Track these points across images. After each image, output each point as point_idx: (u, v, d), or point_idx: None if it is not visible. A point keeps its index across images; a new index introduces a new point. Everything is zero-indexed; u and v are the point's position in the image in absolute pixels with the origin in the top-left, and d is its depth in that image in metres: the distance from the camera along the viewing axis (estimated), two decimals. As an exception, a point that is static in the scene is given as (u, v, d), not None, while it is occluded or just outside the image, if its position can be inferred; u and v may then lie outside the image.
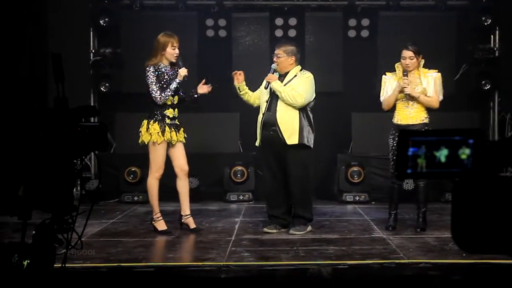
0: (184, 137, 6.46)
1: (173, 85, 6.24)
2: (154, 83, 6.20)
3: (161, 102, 6.22)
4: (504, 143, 1.85)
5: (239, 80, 6.58)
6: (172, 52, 6.28)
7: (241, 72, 6.64)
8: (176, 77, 6.30)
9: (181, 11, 9.08)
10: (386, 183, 8.32)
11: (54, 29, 8.94)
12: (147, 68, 6.24)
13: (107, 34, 9.18)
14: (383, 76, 6.54)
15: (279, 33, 9.10)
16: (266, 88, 6.42)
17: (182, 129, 6.44)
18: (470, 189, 1.79)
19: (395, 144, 6.39)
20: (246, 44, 9.21)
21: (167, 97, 6.23)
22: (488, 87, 8.99)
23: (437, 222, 6.83)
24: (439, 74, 6.42)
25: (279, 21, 9.14)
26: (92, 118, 4.55)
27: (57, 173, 2.76)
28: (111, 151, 8.93)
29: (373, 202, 8.45)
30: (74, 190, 3.09)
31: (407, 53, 6.32)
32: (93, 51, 9.12)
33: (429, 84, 6.34)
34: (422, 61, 6.38)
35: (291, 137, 6.27)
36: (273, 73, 6.43)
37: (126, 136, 8.87)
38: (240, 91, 6.63)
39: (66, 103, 2.82)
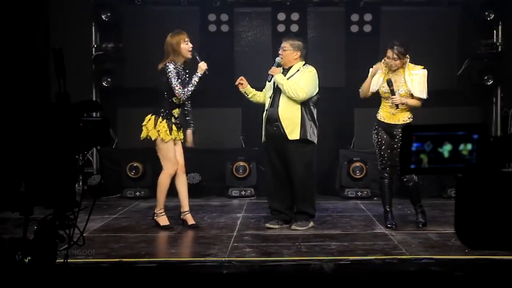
0: (183, 136, 6.51)
1: (195, 79, 6.23)
2: (175, 79, 6.19)
3: (185, 97, 6.24)
4: (508, 138, 1.84)
5: (243, 85, 6.59)
6: (186, 47, 6.29)
7: (241, 77, 6.64)
8: (190, 74, 6.30)
9: (183, 5, 9.07)
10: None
11: (56, 24, 8.92)
12: (167, 65, 6.21)
13: (109, 29, 9.18)
14: (371, 69, 6.47)
15: (281, 28, 9.08)
16: (269, 81, 6.41)
17: (182, 128, 6.48)
18: (474, 185, 1.78)
19: (379, 140, 6.40)
20: (248, 39, 9.19)
21: (190, 92, 6.22)
22: (490, 82, 8.97)
23: (439, 218, 6.82)
24: (425, 71, 6.28)
25: (281, 16, 9.12)
26: (94, 113, 4.55)
27: (59, 169, 2.75)
28: (113, 146, 8.93)
29: (375, 198, 8.43)
30: (76, 185, 3.09)
31: (390, 53, 6.25)
32: (95, 46, 9.11)
33: (413, 83, 6.22)
34: (407, 60, 6.26)
35: (293, 133, 6.26)
36: (277, 67, 6.42)
37: (128, 131, 8.86)
38: (248, 95, 6.64)
39: (68, 98, 2.81)
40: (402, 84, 6.26)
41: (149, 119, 6.34)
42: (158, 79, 6.32)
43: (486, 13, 8.89)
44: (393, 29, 8.80)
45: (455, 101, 8.93)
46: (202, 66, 6.25)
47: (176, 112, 6.35)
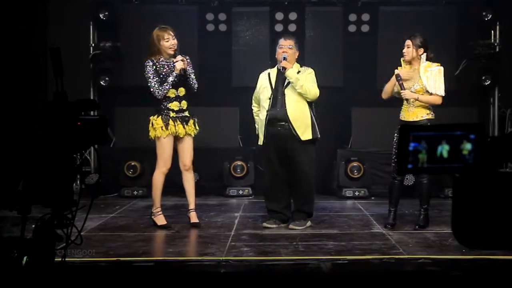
0: (196, 129, 6.44)
1: (170, 79, 6.23)
2: (151, 77, 6.22)
3: (160, 97, 6.23)
4: (505, 138, 1.84)
5: None
6: (166, 45, 6.28)
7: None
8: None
9: (181, 5, 9.07)
10: (385, 179, 8.34)
11: (54, 22, 8.92)
12: (145, 63, 6.26)
13: (107, 27, 9.17)
14: (396, 70, 6.43)
15: (279, 27, 9.09)
16: (282, 70, 6.30)
17: (192, 121, 6.41)
18: (471, 185, 1.79)
19: (396, 140, 6.40)
20: (246, 39, 9.19)
21: (165, 91, 6.22)
22: (488, 83, 8.98)
23: (437, 218, 6.82)
24: (441, 68, 6.29)
25: (279, 16, 9.13)
26: (92, 112, 4.54)
27: (57, 168, 2.75)
28: (111, 145, 8.93)
29: (372, 198, 8.46)
30: (74, 184, 3.08)
31: (406, 41, 6.32)
32: (93, 45, 9.11)
33: (428, 80, 6.22)
34: (424, 56, 6.27)
35: (305, 133, 6.24)
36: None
37: (125, 130, 8.87)
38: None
39: (66, 97, 2.81)
40: (417, 80, 6.27)
41: (150, 120, 6.34)
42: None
43: (484, 13, 8.90)
44: (391, 29, 8.81)
45: (453, 101, 8.90)
46: (178, 65, 6.21)
47: (174, 105, 6.31)
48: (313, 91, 6.22)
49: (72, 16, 8.98)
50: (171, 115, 6.29)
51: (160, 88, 6.20)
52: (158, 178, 6.38)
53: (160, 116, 6.28)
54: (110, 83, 8.95)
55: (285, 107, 6.26)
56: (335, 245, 5.72)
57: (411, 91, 6.25)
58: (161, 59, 6.28)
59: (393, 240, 5.86)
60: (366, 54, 9.01)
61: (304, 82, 6.21)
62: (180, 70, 6.24)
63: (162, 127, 6.25)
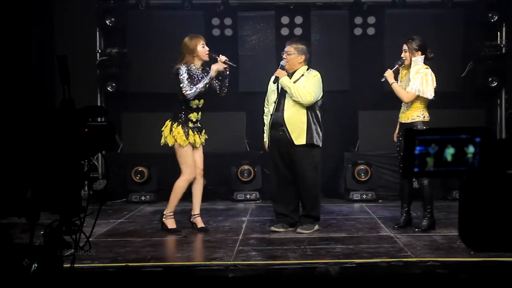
0: (206, 138, 6.48)
1: (205, 80, 6.21)
2: (187, 79, 6.18)
3: (191, 97, 6.18)
4: (511, 141, 1.85)
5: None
6: (203, 50, 6.29)
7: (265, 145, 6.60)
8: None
9: (187, 10, 9.09)
10: (393, 181, 8.33)
11: (61, 29, 8.97)
12: (179, 67, 6.21)
13: (114, 34, 9.21)
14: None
15: (285, 31, 9.10)
16: (274, 82, 6.39)
17: (204, 131, 6.46)
18: (477, 188, 1.79)
19: (398, 143, 6.43)
20: (252, 43, 9.22)
21: (197, 90, 6.17)
22: (495, 84, 8.97)
23: (444, 220, 6.81)
24: (426, 71, 6.24)
25: (285, 20, 9.14)
26: (99, 118, 4.56)
27: (65, 175, 2.77)
28: (118, 151, 8.95)
29: (380, 201, 8.45)
30: (82, 191, 3.09)
31: (403, 46, 6.41)
32: (100, 51, 9.14)
33: (414, 80, 6.22)
34: (417, 59, 6.26)
35: (299, 138, 6.26)
36: (282, 70, 6.41)
37: (133, 136, 8.89)
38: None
39: (73, 104, 2.83)
40: (407, 84, 6.29)
41: (166, 125, 6.35)
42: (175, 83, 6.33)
43: (490, 15, 8.90)
44: (397, 31, 8.80)
45: (460, 103, 8.94)
46: (214, 67, 6.25)
47: (193, 116, 6.33)
48: (306, 98, 6.21)
49: (79, 22, 9.02)
50: (190, 126, 6.31)
51: (192, 89, 6.15)
52: (183, 185, 6.38)
53: (180, 125, 6.28)
54: (117, 89, 8.97)
55: (283, 111, 6.29)
56: (343, 248, 5.72)
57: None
58: (192, 66, 6.28)
59: (401, 243, 5.85)
60: (372, 57, 9.01)
61: (297, 88, 6.21)
62: (216, 70, 6.25)
63: (182, 136, 6.26)
